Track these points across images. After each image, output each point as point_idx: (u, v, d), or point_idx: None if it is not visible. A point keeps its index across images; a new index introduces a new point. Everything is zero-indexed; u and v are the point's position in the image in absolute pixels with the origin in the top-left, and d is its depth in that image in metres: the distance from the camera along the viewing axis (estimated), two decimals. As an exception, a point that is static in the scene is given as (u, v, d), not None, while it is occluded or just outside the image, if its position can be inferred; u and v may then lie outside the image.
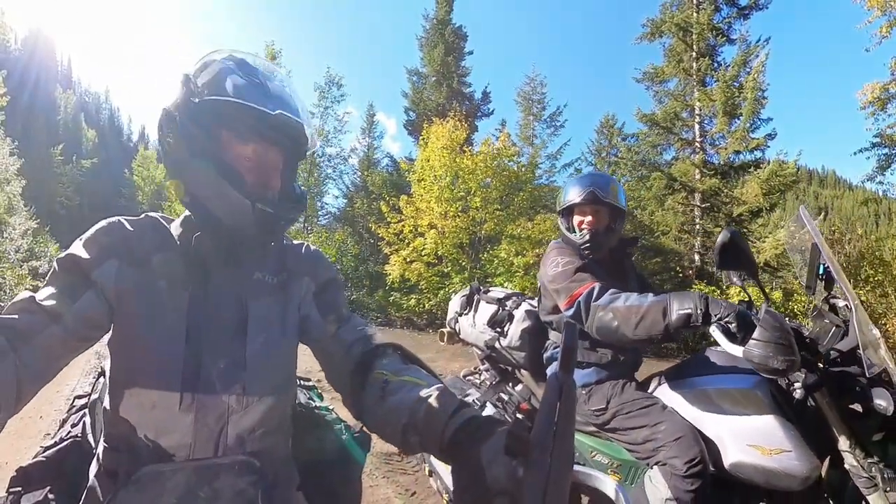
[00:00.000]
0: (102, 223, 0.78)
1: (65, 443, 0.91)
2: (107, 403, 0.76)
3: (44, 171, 32.08)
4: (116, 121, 70.31)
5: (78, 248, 0.74)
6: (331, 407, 1.08)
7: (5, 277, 7.99)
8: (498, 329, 1.82)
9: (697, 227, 10.94)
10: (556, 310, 1.62)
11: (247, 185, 0.75)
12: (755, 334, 1.10)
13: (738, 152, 10.68)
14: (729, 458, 1.30)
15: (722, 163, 10.91)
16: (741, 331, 1.17)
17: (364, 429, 0.98)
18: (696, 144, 11.47)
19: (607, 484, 1.47)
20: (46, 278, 0.75)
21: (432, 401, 0.64)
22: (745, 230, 10.65)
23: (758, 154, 10.70)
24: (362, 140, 19.43)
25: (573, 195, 1.67)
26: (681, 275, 10.67)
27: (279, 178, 0.81)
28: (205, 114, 0.74)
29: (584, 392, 1.56)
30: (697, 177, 11.07)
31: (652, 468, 1.36)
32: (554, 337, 1.70)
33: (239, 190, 0.73)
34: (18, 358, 0.63)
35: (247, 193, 0.74)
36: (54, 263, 0.75)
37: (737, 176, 10.94)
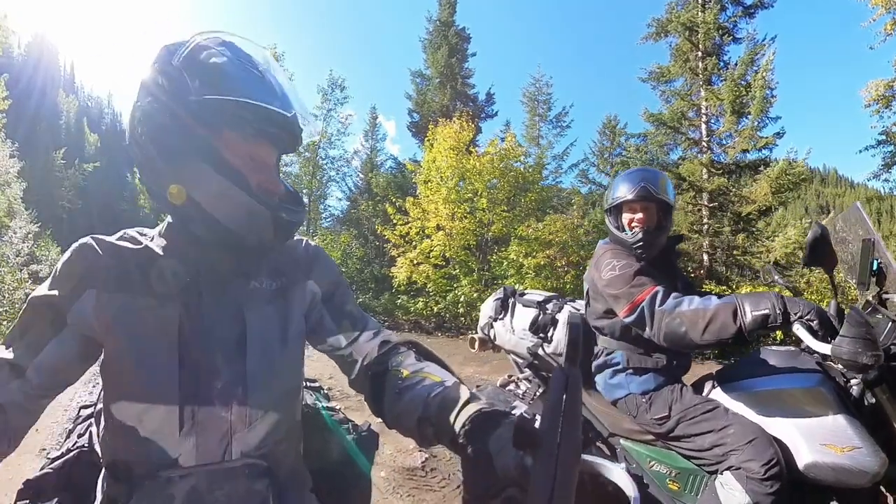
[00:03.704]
0: (73, 249, 0.72)
1: (71, 453, 0.88)
2: (104, 432, 0.73)
3: (46, 175, 32.14)
4: (119, 125, 70.37)
5: (51, 287, 0.70)
6: (337, 406, 1.07)
7: (4, 281, 7.90)
8: (541, 335, 1.75)
9: (706, 226, 10.86)
10: (607, 314, 1.56)
11: (254, 189, 0.70)
12: (843, 331, 1.09)
13: (745, 151, 10.63)
14: (802, 460, 1.27)
15: (729, 162, 10.84)
16: (822, 328, 1.17)
17: (371, 427, 0.99)
18: (704, 144, 11.40)
19: (620, 475, 1.42)
20: (18, 317, 0.72)
21: (444, 394, 0.65)
22: (752, 230, 10.59)
23: (765, 153, 10.65)
24: (365, 143, 19.45)
25: (623, 191, 1.59)
26: (692, 275, 10.59)
27: (278, 179, 0.76)
28: (205, 113, 0.66)
29: (644, 400, 1.49)
30: (705, 176, 11.00)
31: (723, 474, 1.31)
32: (604, 343, 1.62)
33: (250, 195, 0.68)
34: None
35: (258, 199, 0.69)
36: (27, 303, 0.72)
37: (744, 175, 10.88)
